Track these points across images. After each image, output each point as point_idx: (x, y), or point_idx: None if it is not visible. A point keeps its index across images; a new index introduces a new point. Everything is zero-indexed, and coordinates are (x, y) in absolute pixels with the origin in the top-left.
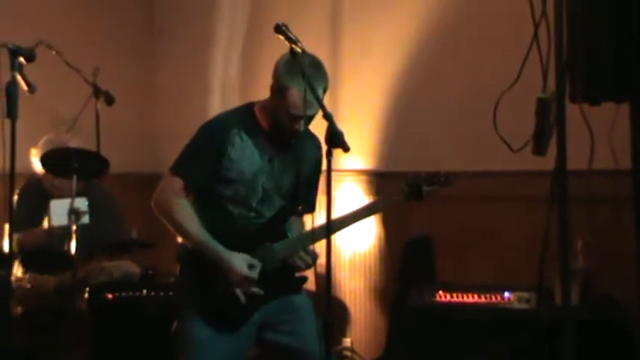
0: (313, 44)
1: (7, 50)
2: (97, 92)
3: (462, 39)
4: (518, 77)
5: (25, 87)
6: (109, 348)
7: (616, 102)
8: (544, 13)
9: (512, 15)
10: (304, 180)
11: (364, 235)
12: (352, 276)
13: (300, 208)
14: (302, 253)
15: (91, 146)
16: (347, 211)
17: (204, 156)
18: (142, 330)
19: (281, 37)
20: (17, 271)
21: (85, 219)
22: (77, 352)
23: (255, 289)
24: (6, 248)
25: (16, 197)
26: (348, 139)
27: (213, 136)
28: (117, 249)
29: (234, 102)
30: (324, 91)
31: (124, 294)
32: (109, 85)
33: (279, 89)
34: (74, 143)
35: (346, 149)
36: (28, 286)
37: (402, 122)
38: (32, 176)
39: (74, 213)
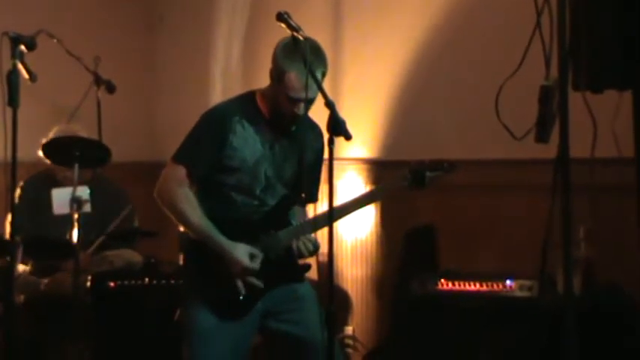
0: (314, 32)
1: (8, 38)
2: (98, 81)
3: (464, 26)
4: (521, 65)
5: (26, 75)
6: (112, 336)
7: (619, 90)
8: (547, 0)
9: (515, 2)
10: (306, 168)
11: (366, 223)
12: (354, 264)
13: (303, 196)
14: (305, 240)
15: (92, 135)
16: (349, 198)
17: (206, 144)
18: (144, 318)
19: (283, 25)
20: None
21: (87, 207)
22: (79, 340)
23: (254, 281)
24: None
25: (18, 192)
26: (350, 127)
27: (214, 125)
28: (119, 238)
29: (236, 91)
30: (323, 75)
31: (126, 282)
32: (109, 73)
33: (278, 74)
34: (84, 134)
35: (348, 137)
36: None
37: (404, 110)
38: (44, 168)
39: (76, 202)
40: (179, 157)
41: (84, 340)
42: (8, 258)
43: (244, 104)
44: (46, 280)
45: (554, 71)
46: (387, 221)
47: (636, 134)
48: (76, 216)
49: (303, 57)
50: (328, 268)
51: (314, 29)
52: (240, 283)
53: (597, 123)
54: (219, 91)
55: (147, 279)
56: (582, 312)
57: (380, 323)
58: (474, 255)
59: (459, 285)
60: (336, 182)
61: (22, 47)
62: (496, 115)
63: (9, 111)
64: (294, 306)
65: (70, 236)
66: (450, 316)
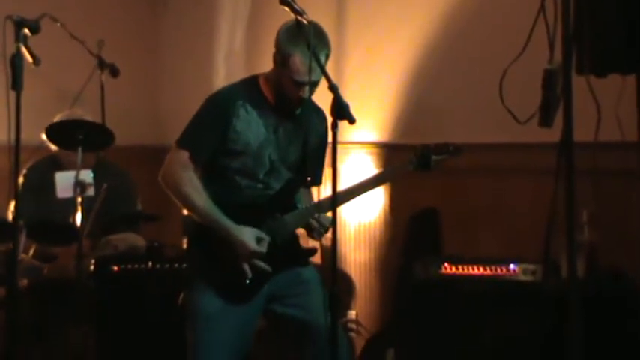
0: (318, 15)
1: (11, 22)
2: (102, 64)
3: (468, 10)
4: (525, 49)
5: (30, 59)
6: (115, 320)
7: (622, 74)
8: None
9: None
10: (310, 152)
11: (370, 207)
12: (358, 248)
13: (308, 179)
14: (318, 217)
15: (95, 118)
16: (354, 182)
17: (210, 128)
18: (148, 302)
19: (286, 8)
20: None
21: (91, 191)
22: (83, 324)
23: (262, 265)
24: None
25: (21, 179)
26: (353, 111)
27: (217, 109)
28: (123, 222)
29: (239, 75)
30: (327, 58)
31: (129, 266)
32: (113, 57)
33: (281, 57)
34: (88, 119)
35: (352, 121)
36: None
37: (408, 94)
38: (49, 153)
39: (79, 185)
40: (183, 142)
41: (87, 323)
42: (11, 242)
43: (247, 88)
44: (49, 265)
45: (558, 55)
46: (390, 205)
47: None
48: (79, 200)
49: (306, 41)
50: (332, 251)
51: (317, 12)
52: (247, 267)
53: (601, 107)
54: (223, 75)
55: (150, 263)
56: (586, 296)
57: (383, 307)
58: (477, 239)
59: (463, 269)
60: (341, 166)
61: (26, 31)
62: (500, 99)
63: (13, 94)
64: (299, 290)
65: (74, 220)
66: (453, 300)
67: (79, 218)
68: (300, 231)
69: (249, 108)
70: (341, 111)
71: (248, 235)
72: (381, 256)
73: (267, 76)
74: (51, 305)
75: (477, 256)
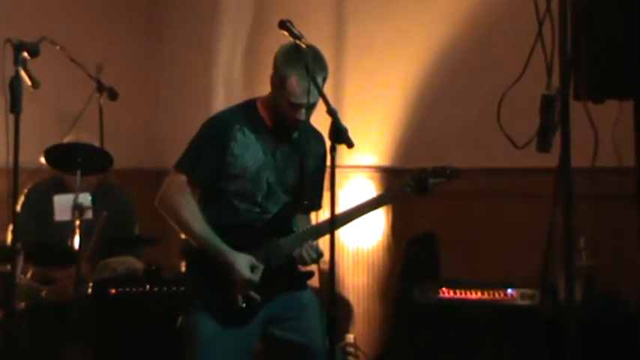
0: (317, 40)
1: (11, 45)
2: (101, 87)
3: (466, 36)
4: (522, 74)
5: (29, 82)
6: (113, 343)
7: (620, 99)
8: (548, 9)
9: (516, 11)
10: (308, 175)
11: (368, 231)
12: (356, 272)
13: (305, 203)
14: (308, 248)
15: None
16: (352, 205)
17: (208, 152)
18: (146, 325)
19: (285, 33)
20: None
21: (89, 214)
22: (80, 347)
23: (253, 295)
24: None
25: (22, 199)
26: (352, 135)
27: (215, 132)
28: (121, 245)
29: (238, 98)
30: (324, 80)
31: (127, 289)
32: (112, 81)
33: (279, 80)
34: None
35: (350, 145)
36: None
37: (407, 118)
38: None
39: (78, 208)
40: (180, 166)
41: (85, 346)
42: (9, 265)
43: (245, 111)
44: (47, 287)
45: (556, 81)
46: (388, 229)
47: (637, 144)
48: (77, 222)
49: (305, 64)
50: (330, 275)
51: (317, 37)
52: (239, 296)
53: (598, 132)
54: (222, 99)
55: (148, 286)
56: (583, 321)
57: (381, 331)
58: (475, 263)
59: (461, 293)
60: (339, 190)
61: (25, 54)
62: (498, 124)
63: (12, 117)
64: (297, 313)
65: (72, 243)
66: (451, 325)
67: (77, 241)
68: None
69: (246, 131)
70: (339, 135)
71: (243, 263)
72: (380, 280)
73: (264, 100)
74: (49, 328)
75: (475, 280)
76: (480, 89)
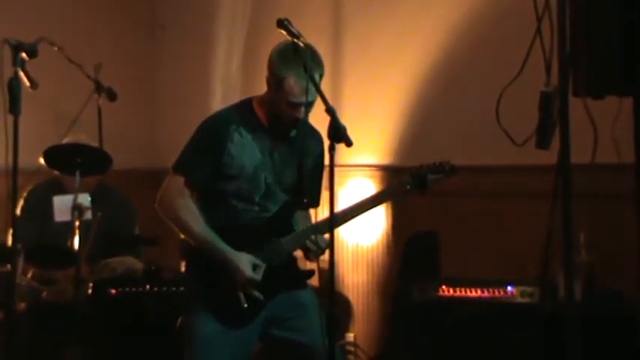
0: (314, 38)
1: (9, 46)
2: (99, 88)
3: (465, 33)
4: (521, 71)
5: (27, 83)
6: (113, 343)
7: (619, 96)
8: (547, 6)
9: (515, 9)
10: (306, 174)
11: (368, 229)
12: (355, 271)
13: (305, 201)
14: (314, 238)
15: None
16: (351, 203)
17: (204, 153)
18: (146, 325)
19: (283, 31)
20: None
21: (88, 215)
22: (81, 347)
23: (256, 294)
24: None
25: (21, 202)
26: (351, 133)
27: (212, 133)
28: (121, 246)
29: (236, 98)
30: (321, 77)
31: (127, 289)
32: (110, 81)
33: (276, 80)
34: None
35: (349, 144)
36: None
37: (406, 116)
38: (52, 176)
39: (77, 209)
40: (178, 167)
41: (85, 347)
42: (9, 265)
43: (241, 112)
44: (47, 288)
45: (555, 77)
46: (388, 227)
47: (636, 140)
48: (77, 223)
49: (303, 64)
50: (330, 274)
51: (314, 35)
52: (241, 295)
53: (598, 129)
54: (220, 98)
55: (148, 286)
56: (583, 318)
57: (381, 330)
58: (475, 261)
59: (461, 291)
60: (338, 189)
61: (24, 55)
62: (497, 121)
63: (10, 118)
64: (297, 313)
65: (72, 243)
66: (451, 323)
67: (76, 242)
68: (298, 253)
69: (243, 132)
70: (338, 134)
71: (244, 263)
72: (379, 278)
73: (261, 99)
74: (49, 329)
75: (475, 278)
76: (479, 86)
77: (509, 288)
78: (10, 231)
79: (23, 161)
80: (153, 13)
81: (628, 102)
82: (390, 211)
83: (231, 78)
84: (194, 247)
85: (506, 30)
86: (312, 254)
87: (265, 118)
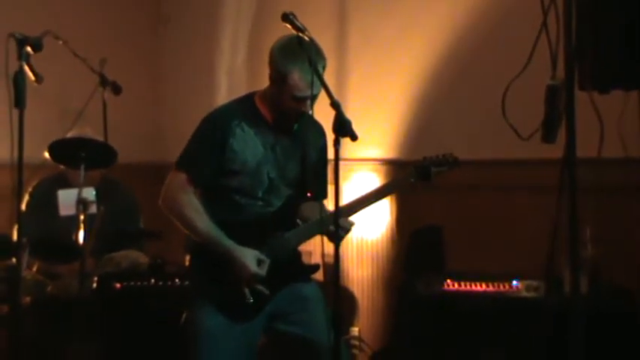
0: (320, 31)
1: (14, 40)
2: (104, 82)
3: (471, 26)
4: (527, 65)
5: (32, 77)
6: (118, 337)
7: (625, 90)
8: (553, 0)
9: (521, 2)
10: (310, 167)
11: (372, 223)
12: (360, 265)
13: (309, 194)
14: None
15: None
16: (356, 196)
17: (207, 149)
18: (150, 319)
19: (288, 25)
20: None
21: (93, 209)
22: (85, 341)
23: (261, 288)
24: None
25: (27, 196)
26: (356, 127)
27: (213, 129)
28: (126, 239)
29: (241, 91)
30: (323, 68)
31: (132, 283)
32: (115, 75)
33: (280, 76)
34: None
35: (354, 138)
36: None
37: (412, 110)
38: (57, 170)
39: (82, 203)
40: (180, 164)
41: (90, 341)
42: (14, 259)
43: (243, 107)
44: (52, 282)
45: (561, 71)
46: (393, 221)
47: None
48: (82, 217)
49: (308, 57)
50: (334, 268)
51: (319, 28)
52: (247, 290)
53: (604, 123)
54: (225, 92)
55: (153, 280)
56: (588, 312)
57: (386, 324)
58: (480, 255)
59: (465, 285)
60: (343, 183)
61: (29, 49)
62: (503, 115)
63: (15, 112)
64: (301, 307)
65: (76, 237)
66: (456, 317)
67: (81, 236)
68: (302, 247)
69: (245, 127)
70: (343, 127)
71: (249, 258)
72: (384, 272)
73: (263, 94)
74: (54, 322)
75: (480, 272)
76: (485, 80)
77: (514, 282)
78: (16, 225)
79: (28, 155)
80: (158, 7)
81: (634, 96)
82: (394, 205)
83: (236, 71)
84: (199, 243)
85: (513, 24)
86: (336, 237)
87: (268, 112)
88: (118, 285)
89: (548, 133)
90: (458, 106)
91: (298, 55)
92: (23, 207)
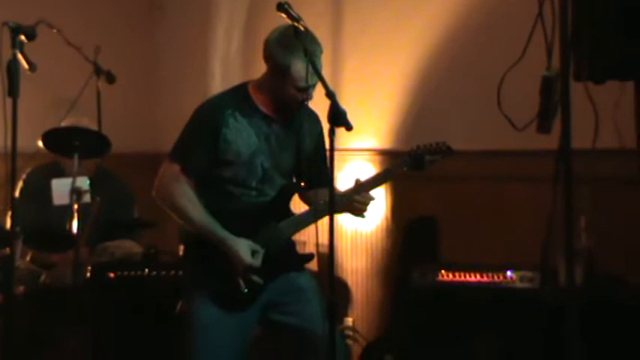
0: (314, 20)
1: (8, 28)
2: (98, 71)
3: (466, 15)
4: (522, 55)
5: (26, 65)
6: (112, 327)
7: (621, 80)
8: None
9: None
10: (307, 155)
11: (367, 213)
12: (354, 255)
13: (302, 185)
14: (358, 197)
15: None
16: (350, 186)
17: (200, 140)
18: (144, 309)
19: (283, 15)
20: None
21: (87, 198)
22: (79, 330)
23: (256, 279)
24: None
25: (20, 184)
26: (351, 117)
27: (206, 119)
28: (120, 229)
29: (235, 80)
30: (321, 53)
31: (126, 273)
32: (109, 64)
33: (281, 69)
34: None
35: (349, 128)
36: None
37: (406, 100)
38: (51, 159)
39: (76, 192)
40: (174, 155)
41: (84, 330)
42: (8, 249)
43: (237, 97)
44: (46, 272)
45: (556, 62)
46: (388, 212)
47: (638, 125)
48: (75, 206)
49: (304, 48)
50: (329, 259)
51: (313, 17)
52: (241, 281)
53: (599, 114)
54: (219, 81)
55: (147, 270)
56: (583, 303)
57: (380, 314)
58: (475, 246)
59: (460, 276)
60: (338, 173)
61: (22, 37)
62: (498, 105)
63: (9, 101)
64: (295, 297)
65: (70, 227)
66: (450, 308)
67: (75, 225)
68: (297, 237)
69: (238, 117)
70: (338, 117)
71: (244, 249)
72: (379, 263)
73: (259, 84)
74: (47, 312)
75: (475, 263)
76: (480, 71)
77: (509, 273)
78: (9, 213)
79: (21, 144)
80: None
81: (629, 86)
82: (389, 196)
83: (230, 60)
84: (193, 233)
85: (508, 14)
86: (358, 211)
87: (264, 102)
88: (111, 274)
89: (543, 123)
90: (453, 97)
91: (297, 46)
92: (17, 194)
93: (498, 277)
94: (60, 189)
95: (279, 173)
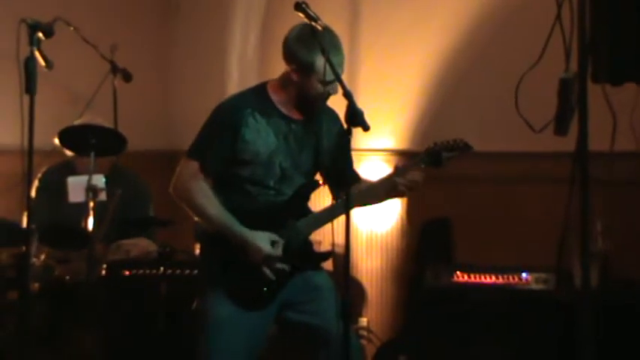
0: (332, 20)
1: (25, 25)
2: (115, 69)
3: (484, 18)
4: (540, 57)
5: (43, 63)
6: (126, 325)
7: (638, 83)
8: None
9: None
10: (328, 153)
11: (382, 215)
12: (369, 256)
13: (320, 183)
14: (399, 179)
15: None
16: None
17: (218, 138)
18: (159, 307)
19: (301, 14)
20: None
21: (103, 196)
22: (94, 328)
23: (281, 265)
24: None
25: (36, 183)
26: (368, 117)
27: (226, 118)
28: (135, 227)
29: (252, 80)
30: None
31: (141, 271)
32: (126, 62)
33: (306, 66)
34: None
35: (366, 128)
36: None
37: (423, 101)
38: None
39: (91, 190)
40: (192, 153)
41: (98, 328)
42: (24, 246)
43: (256, 96)
44: (60, 266)
45: (574, 64)
46: (403, 213)
47: None
48: (91, 204)
49: (321, 47)
50: (345, 259)
51: (331, 17)
52: (267, 270)
53: (616, 116)
54: (236, 80)
55: (162, 268)
56: (598, 306)
57: (395, 315)
58: (490, 247)
59: (475, 277)
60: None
61: (40, 34)
62: (515, 107)
63: (26, 98)
64: (312, 296)
65: (86, 224)
66: (465, 309)
67: (90, 223)
68: (314, 236)
69: (257, 116)
70: (355, 118)
71: (263, 240)
72: (393, 263)
73: (278, 84)
74: (62, 309)
75: (490, 264)
76: (498, 72)
77: (524, 274)
78: (25, 212)
79: (38, 142)
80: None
81: None
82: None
83: (247, 59)
84: (209, 230)
85: (526, 16)
86: (401, 192)
87: (283, 102)
88: (127, 272)
89: (560, 126)
90: (470, 98)
91: (316, 42)
92: (33, 193)
93: (513, 279)
94: (76, 186)
95: (299, 173)
